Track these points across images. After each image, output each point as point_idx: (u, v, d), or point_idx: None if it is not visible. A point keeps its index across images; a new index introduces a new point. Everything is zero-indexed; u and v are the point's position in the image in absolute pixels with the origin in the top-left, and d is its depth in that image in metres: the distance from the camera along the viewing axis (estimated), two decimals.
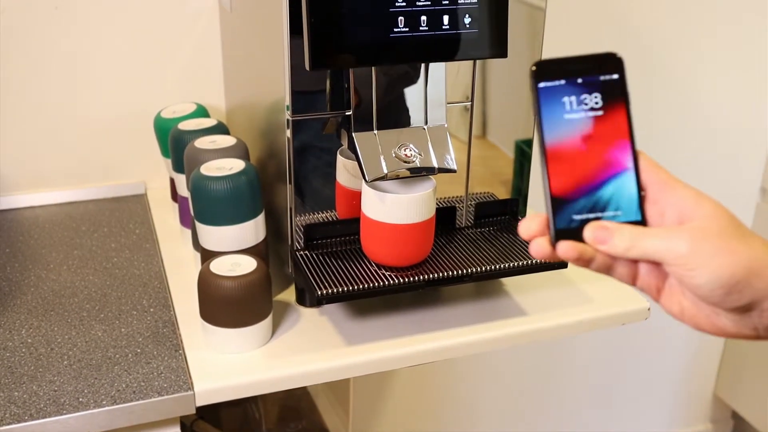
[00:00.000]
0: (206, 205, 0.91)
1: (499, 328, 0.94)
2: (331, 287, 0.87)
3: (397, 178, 0.88)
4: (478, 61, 0.94)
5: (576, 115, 0.56)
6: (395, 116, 0.89)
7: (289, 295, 1.00)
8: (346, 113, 0.89)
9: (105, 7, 1.20)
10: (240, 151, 0.99)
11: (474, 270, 0.92)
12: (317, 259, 0.93)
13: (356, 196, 0.92)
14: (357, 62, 0.84)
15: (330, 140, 0.92)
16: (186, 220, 1.09)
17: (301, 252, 0.95)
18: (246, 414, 1.32)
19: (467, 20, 0.84)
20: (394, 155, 0.88)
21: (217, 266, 0.88)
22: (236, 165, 0.92)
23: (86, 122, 1.25)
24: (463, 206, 1.02)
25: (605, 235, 0.55)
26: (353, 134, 0.88)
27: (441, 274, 0.90)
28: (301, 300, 0.98)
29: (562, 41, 1.01)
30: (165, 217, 1.20)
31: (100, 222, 1.19)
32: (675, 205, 0.55)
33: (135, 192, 1.29)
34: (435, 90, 0.90)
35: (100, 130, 1.26)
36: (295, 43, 0.84)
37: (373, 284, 0.88)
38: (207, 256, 0.93)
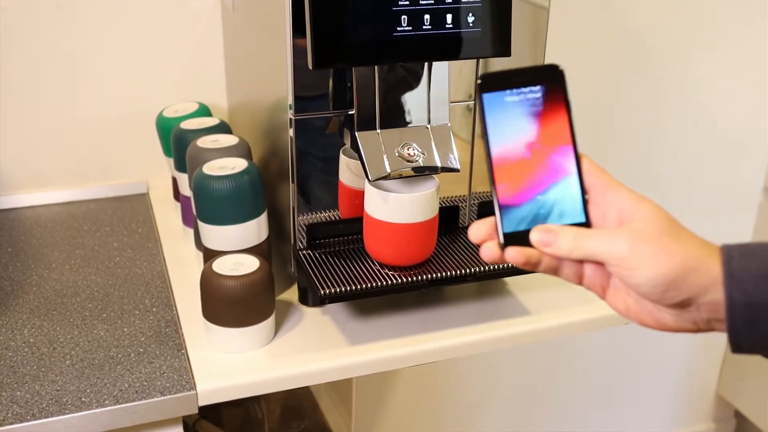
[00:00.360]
0: (209, 204, 0.91)
1: (502, 328, 0.94)
2: (333, 287, 0.87)
3: (400, 177, 0.88)
4: (481, 60, 0.94)
5: (520, 123, 0.58)
6: (398, 115, 0.89)
7: (292, 294, 0.99)
8: (349, 112, 0.89)
9: (105, 7, 1.20)
10: (242, 150, 0.98)
11: (477, 269, 0.92)
12: (320, 258, 0.93)
13: (359, 195, 0.92)
14: (360, 61, 0.84)
15: (333, 139, 0.92)
16: (188, 220, 1.09)
17: (304, 251, 0.94)
18: (248, 414, 1.32)
19: (470, 19, 0.84)
20: (397, 154, 0.88)
21: (220, 266, 0.87)
22: (239, 164, 0.92)
23: (87, 122, 1.25)
24: (466, 205, 1.02)
25: (550, 238, 0.57)
26: (356, 133, 0.88)
27: (444, 274, 0.90)
28: (304, 299, 0.98)
29: (565, 41, 1.01)
30: (167, 217, 1.20)
31: (102, 221, 1.19)
32: (615, 207, 0.58)
33: (137, 191, 1.29)
34: (438, 89, 0.90)
35: (101, 129, 1.26)
36: (298, 42, 0.84)
37: (376, 284, 0.88)
38: (209, 255, 0.93)
